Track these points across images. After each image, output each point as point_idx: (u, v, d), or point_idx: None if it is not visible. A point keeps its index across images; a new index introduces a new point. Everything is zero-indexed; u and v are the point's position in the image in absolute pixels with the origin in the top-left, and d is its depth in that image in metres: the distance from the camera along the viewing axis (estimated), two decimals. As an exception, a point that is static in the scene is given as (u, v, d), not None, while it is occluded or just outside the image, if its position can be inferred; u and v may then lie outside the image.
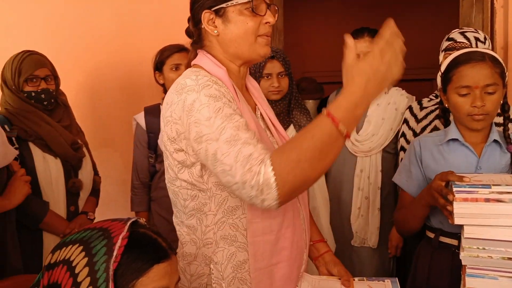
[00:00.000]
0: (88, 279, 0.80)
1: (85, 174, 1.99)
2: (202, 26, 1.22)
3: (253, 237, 1.16)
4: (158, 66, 2.18)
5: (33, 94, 1.87)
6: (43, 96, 1.89)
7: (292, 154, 1.02)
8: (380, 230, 2.21)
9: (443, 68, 1.49)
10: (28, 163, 1.82)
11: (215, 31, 1.21)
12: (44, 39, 2.70)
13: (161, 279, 0.85)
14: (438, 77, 1.56)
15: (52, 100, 1.93)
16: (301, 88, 3.94)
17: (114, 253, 0.81)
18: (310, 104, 3.64)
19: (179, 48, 2.15)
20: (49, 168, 1.86)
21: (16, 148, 1.78)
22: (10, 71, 1.87)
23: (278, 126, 1.34)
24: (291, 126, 2.19)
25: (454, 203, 1.17)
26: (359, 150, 2.18)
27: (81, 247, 0.83)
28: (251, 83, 1.37)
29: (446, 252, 1.26)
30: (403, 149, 2.02)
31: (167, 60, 2.15)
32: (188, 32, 1.30)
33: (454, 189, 1.18)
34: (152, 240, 0.88)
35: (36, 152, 1.85)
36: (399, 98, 2.19)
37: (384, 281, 1.26)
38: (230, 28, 1.20)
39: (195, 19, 1.24)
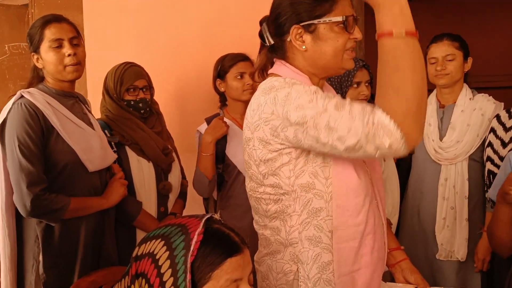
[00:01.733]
0: (170, 270, 0.87)
1: (174, 178, 2.13)
2: (288, 39, 1.21)
3: (338, 243, 1.17)
4: (221, 73, 2.21)
5: (132, 102, 2.04)
6: (140, 105, 2.05)
7: (389, 91, 1.03)
8: (468, 242, 2.11)
9: None
10: (124, 166, 1.99)
11: (303, 47, 1.20)
12: (137, 51, 2.91)
13: (234, 271, 0.91)
14: None
15: (148, 109, 2.09)
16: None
17: (191, 248, 0.88)
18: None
19: (244, 57, 2.19)
20: (142, 171, 2.01)
21: (114, 152, 1.95)
22: (113, 81, 2.04)
23: None
24: None
25: None
26: (443, 158, 2.11)
27: (163, 242, 0.91)
28: (327, 89, 1.37)
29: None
30: (489, 159, 1.93)
31: (231, 68, 2.18)
32: (261, 36, 1.30)
33: None
34: (225, 235, 0.94)
35: (132, 156, 2.01)
36: (485, 104, 2.10)
37: None
38: (319, 45, 1.19)
39: (279, 30, 1.23)
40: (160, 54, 2.90)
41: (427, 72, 2.14)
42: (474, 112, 2.08)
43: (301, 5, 1.18)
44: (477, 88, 2.22)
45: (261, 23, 1.32)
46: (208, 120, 2.27)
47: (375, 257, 1.22)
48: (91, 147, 1.75)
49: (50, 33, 1.69)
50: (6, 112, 1.64)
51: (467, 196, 2.09)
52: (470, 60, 2.14)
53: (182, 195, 2.23)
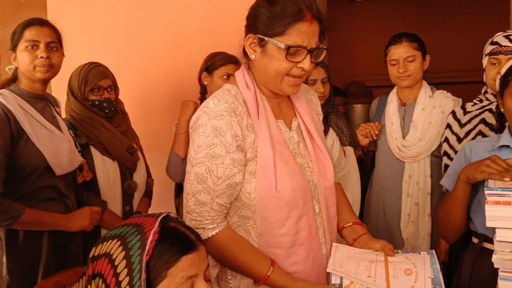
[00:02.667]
0: (126, 270, 0.89)
1: (139, 176, 2.13)
2: (245, 44, 1.28)
3: (265, 248, 1.27)
4: (210, 68, 2.22)
5: (96, 102, 2.03)
6: (105, 104, 2.05)
7: (231, 250, 1.23)
8: (432, 236, 2.18)
9: (502, 71, 1.46)
10: (89, 165, 1.97)
11: (253, 56, 1.27)
12: (103, 51, 2.88)
13: (190, 268, 0.92)
14: (498, 80, 1.53)
15: (112, 108, 2.08)
16: (350, 92, 3.93)
17: (147, 247, 0.89)
18: (359, 108, 3.63)
19: (235, 60, 2.20)
20: (107, 170, 2.00)
21: (79, 151, 1.93)
22: (77, 81, 2.03)
23: (316, 138, 1.38)
24: (331, 130, 2.23)
25: (486, 206, 1.17)
26: (406, 156, 2.16)
27: (119, 242, 0.92)
28: (297, 96, 1.40)
29: (489, 258, 1.24)
30: (446, 154, 1.99)
31: (221, 67, 2.19)
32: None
33: (486, 192, 1.18)
34: (181, 233, 0.96)
35: (96, 155, 2.00)
36: (445, 101, 2.16)
37: (420, 253, 1.28)
38: (264, 60, 1.24)
39: (244, 34, 1.29)
40: (126, 53, 2.87)
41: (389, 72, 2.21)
42: (434, 109, 2.14)
43: (261, 19, 1.22)
44: (435, 84, 2.28)
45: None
46: None
47: (309, 266, 1.29)
48: (59, 151, 1.74)
49: (29, 34, 1.71)
50: None
51: (429, 192, 2.15)
52: (428, 58, 2.19)
53: (148, 194, 2.23)
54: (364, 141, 2.24)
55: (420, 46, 2.16)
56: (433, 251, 1.29)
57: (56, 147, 1.72)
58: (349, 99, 3.82)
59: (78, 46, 2.94)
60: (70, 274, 1.49)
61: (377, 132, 2.20)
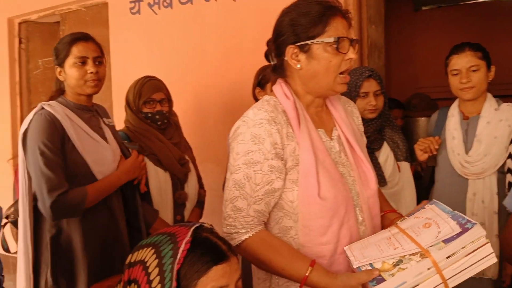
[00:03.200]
0: (158, 278, 0.91)
1: (190, 187, 2.16)
2: (285, 59, 1.29)
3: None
4: (262, 82, 2.23)
5: (149, 114, 2.10)
6: (157, 117, 2.11)
7: (265, 253, 1.21)
8: (500, 258, 1.98)
9: None
10: None
11: (298, 65, 1.27)
12: (159, 64, 2.99)
13: (220, 278, 0.94)
14: None
15: (165, 120, 2.14)
16: (412, 105, 3.76)
17: (178, 256, 0.92)
18: (423, 121, 3.45)
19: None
20: (159, 180, 2.05)
21: None
22: (133, 94, 2.12)
23: (356, 148, 1.38)
24: (385, 144, 2.14)
25: None
26: (470, 172, 2.00)
27: (153, 250, 0.96)
28: (333, 103, 1.42)
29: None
30: (510, 171, 1.83)
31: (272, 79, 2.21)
32: (266, 56, 1.39)
33: None
34: (212, 244, 0.98)
35: (150, 166, 2.05)
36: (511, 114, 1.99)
37: (424, 207, 1.24)
38: (313, 64, 1.26)
39: (278, 50, 1.31)
40: (180, 66, 2.96)
41: (450, 84, 2.07)
42: (500, 123, 1.98)
43: (297, 27, 1.25)
44: (500, 96, 2.11)
45: (267, 43, 1.38)
46: None
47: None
48: (103, 159, 1.80)
49: (76, 51, 1.79)
50: (27, 122, 1.72)
51: (496, 211, 1.98)
52: (493, 69, 2.05)
53: (199, 204, 2.25)
54: (422, 157, 2.11)
55: (485, 56, 2.01)
56: (435, 200, 1.27)
57: (100, 156, 1.79)
58: (412, 112, 3.65)
59: (137, 60, 3.07)
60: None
61: (437, 147, 2.07)
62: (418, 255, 1.06)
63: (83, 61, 1.79)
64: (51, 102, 1.78)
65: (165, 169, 2.07)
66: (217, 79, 2.85)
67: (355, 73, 2.11)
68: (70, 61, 1.79)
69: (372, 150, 2.09)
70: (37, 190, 1.67)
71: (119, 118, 2.26)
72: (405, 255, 1.07)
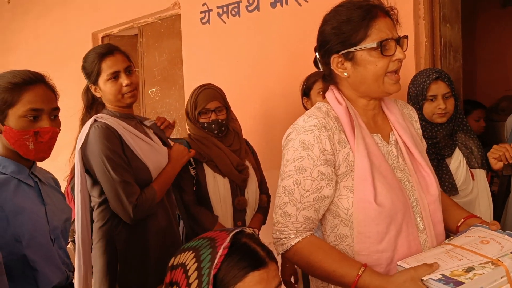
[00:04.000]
0: (196, 281, 0.93)
1: (250, 193, 2.17)
2: (332, 68, 1.28)
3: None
4: (306, 91, 2.24)
5: (205, 124, 2.15)
6: (213, 126, 2.14)
7: (315, 256, 1.20)
8: None
9: None
10: (201, 181, 2.10)
11: (345, 74, 1.26)
12: (227, 72, 3.06)
13: (257, 284, 0.93)
14: None
15: (223, 128, 2.17)
16: (501, 108, 3.49)
17: (215, 261, 0.93)
18: (511, 126, 3.20)
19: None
20: (218, 187, 2.09)
21: (193, 168, 2.08)
22: (190, 104, 2.19)
23: (415, 152, 1.33)
24: (457, 150, 2.01)
25: None
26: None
27: (193, 254, 0.98)
28: (388, 107, 1.39)
29: None
30: None
31: (313, 86, 2.20)
32: (315, 63, 1.38)
33: None
34: (251, 250, 0.97)
35: (208, 172, 2.11)
36: None
37: (470, 229, 1.22)
38: (359, 70, 1.24)
39: (324, 58, 1.30)
40: (248, 73, 3.01)
41: None
42: None
43: (339, 36, 1.24)
44: None
45: (315, 50, 1.38)
46: None
47: None
48: (160, 161, 1.87)
49: (106, 67, 1.82)
50: (84, 135, 1.77)
51: None
52: None
53: (261, 210, 2.26)
54: (497, 165, 1.93)
55: None
56: (478, 224, 1.27)
57: (158, 160, 1.86)
58: (500, 115, 3.39)
59: (208, 68, 3.17)
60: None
61: None
62: (490, 264, 1.02)
63: (115, 76, 1.82)
64: (99, 115, 1.82)
65: (223, 175, 2.10)
66: (283, 85, 2.86)
67: (421, 76, 2.01)
68: (103, 78, 1.82)
69: (442, 156, 1.97)
70: (112, 198, 1.72)
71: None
72: (474, 265, 1.04)
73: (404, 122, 1.37)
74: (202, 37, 3.19)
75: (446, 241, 1.22)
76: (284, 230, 1.24)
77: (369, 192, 1.20)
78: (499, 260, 1.03)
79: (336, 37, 1.24)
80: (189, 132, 2.21)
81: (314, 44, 2.70)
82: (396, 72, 1.24)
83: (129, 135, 1.80)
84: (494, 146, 1.94)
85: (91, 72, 1.84)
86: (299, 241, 1.22)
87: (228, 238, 0.96)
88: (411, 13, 2.31)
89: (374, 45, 1.19)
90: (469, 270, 1.02)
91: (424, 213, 1.28)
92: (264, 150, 2.86)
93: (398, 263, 1.17)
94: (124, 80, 1.83)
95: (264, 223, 2.29)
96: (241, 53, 3.03)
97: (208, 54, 3.17)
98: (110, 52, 1.84)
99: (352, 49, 1.22)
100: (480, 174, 2.01)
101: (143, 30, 3.65)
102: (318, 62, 1.35)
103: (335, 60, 1.26)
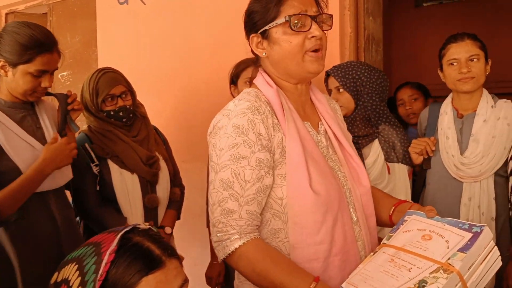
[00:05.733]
0: None
1: (161, 189, 2.00)
2: (252, 48, 1.25)
3: (298, 264, 1.11)
4: (234, 79, 2.13)
5: (112, 113, 1.91)
6: (121, 113, 1.92)
7: (262, 264, 1.07)
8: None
9: None
10: (107, 179, 1.88)
11: (264, 53, 1.22)
12: (148, 57, 2.87)
13: None
14: None
15: (131, 115, 1.96)
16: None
17: (100, 271, 0.78)
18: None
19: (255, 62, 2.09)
20: (125, 184, 1.89)
21: (96, 165, 1.85)
22: (88, 92, 1.92)
23: (345, 143, 1.29)
24: (376, 142, 1.94)
25: None
26: (465, 175, 1.85)
27: (76, 266, 0.82)
28: (317, 96, 1.33)
29: None
30: (514, 173, 1.70)
31: (241, 74, 2.09)
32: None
33: None
34: (142, 250, 0.83)
35: (114, 169, 1.89)
36: (510, 112, 1.84)
37: (406, 220, 1.13)
38: (275, 49, 1.19)
39: (248, 40, 1.26)
40: (170, 60, 2.84)
41: (445, 76, 1.94)
42: (498, 121, 1.83)
43: (254, 14, 1.21)
44: (499, 95, 1.95)
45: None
46: None
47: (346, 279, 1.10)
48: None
49: (40, 61, 1.57)
50: None
51: (494, 218, 1.84)
52: (490, 62, 1.89)
53: (174, 205, 2.09)
54: (418, 160, 1.95)
55: (483, 46, 1.86)
56: (410, 211, 1.18)
57: (34, 160, 1.58)
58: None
59: (124, 52, 2.96)
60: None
61: (433, 149, 1.92)
62: (441, 271, 0.94)
63: (40, 74, 1.60)
64: None
65: (131, 171, 1.90)
66: (206, 74, 2.73)
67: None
68: (28, 68, 1.57)
69: (358, 146, 1.93)
70: None
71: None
72: (426, 275, 0.95)
73: (332, 113, 1.33)
74: (119, 18, 2.96)
75: (385, 241, 1.12)
76: (226, 230, 1.10)
77: (304, 178, 1.11)
78: (450, 265, 0.95)
79: (252, 16, 1.21)
80: (89, 124, 1.96)
81: (241, 31, 2.64)
82: (316, 50, 1.18)
83: (2, 132, 1.54)
84: (414, 141, 1.95)
85: (23, 53, 1.56)
86: (243, 243, 1.09)
87: (115, 241, 0.81)
88: (337, 4, 2.29)
89: (283, 20, 1.15)
90: (422, 284, 0.93)
91: (357, 204, 1.23)
92: (184, 140, 2.74)
93: (343, 285, 1.06)
94: (45, 82, 1.61)
95: (178, 218, 2.15)
96: (163, 38, 2.84)
97: (126, 37, 2.96)
98: (50, 48, 1.60)
99: (266, 27, 1.18)
100: (399, 168, 1.97)
101: (53, 9, 3.33)
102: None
103: (253, 40, 1.22)
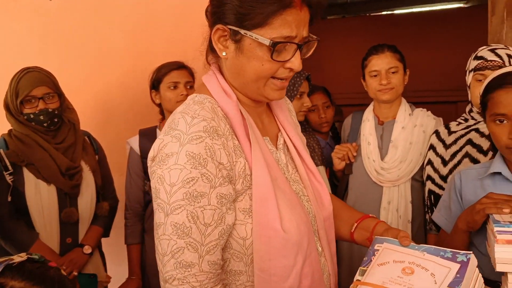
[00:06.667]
0: None
1: (84, 202, 1.83)
2: (212, 38, 0.99)
3: None
4: (155, 84, 2.03)
5: (32, 116, 1.75)
6: (41, 117, 1.76)
7: None
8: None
9: (481, 92, 1.30)
10: (20, 189, 1.70)
11: (224, 53, 0.98)
12: (54, 56, 2.64)
13: None
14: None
15: (55, 119, 1.80)
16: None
17: None
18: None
19: (178, 66, 2.02)
20: (40, 196, 1.72)
21: (10, 173, 1.67)
22: (10, 93, 1.75)
23: (306, 156, 1.12)
24: None
25: (496, 246, 0.98)
26: (385, 180, 1.95)
27: None
28: (279, 104, 1.14)
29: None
30: (430, 178, 1.80)
31: (164, 78, 2.00)
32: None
33: (495, 228, 0.98)
34: None
35: (29, 178, 1.71)
36: (426, 120, 1.98)
37: (377, 249, 0.98)
38: (241, 60, 0.96)
39: (210, 25, 1.00)
40: (80, 61, 2.64)
41: (367, 85, 2.03)
42: (415, 128, 1.97)
43: (232, 4, 0.93)
44: (414, 103, 2.11)
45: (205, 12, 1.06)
46: (143, 132, 2.09)
47: None
48: None
49: None
50: None
51: (410, 220, 1.95)
52: (408, 72, 2.03)
53: (100, 221, 1.93)
54: (340, 165, 2.03)
55: (402, 58, 1.99)
56: (378, 237, 1.04)
57: None
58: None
59: (29, 53, 2.69)
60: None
61: (355, 154, 2.01)
62: None
63: None
64: None
65: (48, 182, 1.73)
66: (123, 77, 2.58)
67: None
68: None
69: None
70: None
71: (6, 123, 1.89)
72: None
73: (291, 118, 1.15)
74: (23, 15, 2.69)
75: (359, 278, 0.95)
76: None
77: (273, 215, 0.93)
78: None
79: (228, 4, 0.93)
80: (10, 128, 1.79)
81: (160, 33, 2.53)
82: (283, 79, 0.99)
83: None
84: (337, 146, 2.03)
85: None
86: None
87: None
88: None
89: (267, 42, 0.91)
90: None
91: (321, 232, 1.07)
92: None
93: None
94: None
95: (106, 235, 1.99)
96: (76, 38, 2.63)
97: (31, 35, 2.70)
98: None
99: (241, 31, 0.93)
100: (322, 171, 2.06)
101: None
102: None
103: (218, 31, 0.96)
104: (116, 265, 2.61)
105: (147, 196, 2.03)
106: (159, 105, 2.08)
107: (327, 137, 2.52)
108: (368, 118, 2.07)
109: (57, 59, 2.62)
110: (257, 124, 1.05)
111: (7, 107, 1.77)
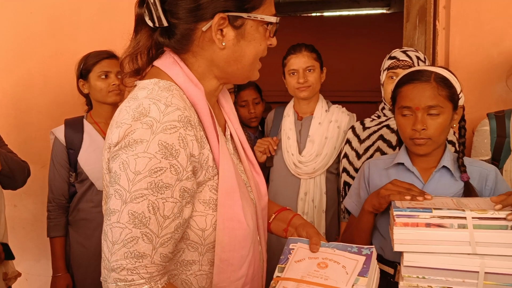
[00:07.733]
0: None
1: None
2: (204, 29, 0.93)
3: None
4: (83, 73, 1.98)
5: None
6: None
7: None
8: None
9: (393, 87, 1.42)
10: None
11: (223, 43, 0.94)
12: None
13: None
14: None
15: None
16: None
17: None
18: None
19: (109, 55, 1.98)
20: None
21: None
22: None
23: (247, 148, 1.12)
24: None
25: (394, 228, 1.09)
26: (302, 172, 2.08)
27: None
28: (224, 95, 1.13)
29: (382, 281, 1.17)
30: (345, 170, 1.94)
31: (94, 67, 1.96)
32: (145, 12, 0.95)
33: (394, 213, 1.10)
34: None
35: None
36: (340, 116, 2.13)
37: (292, 248, 1.07)
38: (241, 45, 0.96)
39: (196, 12, 0.92)
40: (2, 48, 2.51)
41: (287, 83, 2.13)
42: (330, 124, 2.11)
43: None
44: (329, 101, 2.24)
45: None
46: (69, 122, 2.01)
47: None
48: None
49: None
50: None
51: (324, 210, 2.09)
52: (325, 70, 2.17)
53: None
54: (262, 158, 2.13)
55: (319, 57, 2.12)
56: (291, 238, 1.12)
57: None
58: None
59: None
60: None
61: (275, 148, 2.12)
62: None
63: None
64: None
65: None
66: (44, 65, 2.50)
67: None
68: None
69: None
70: None
71: None
72: None
73: (235, 111, 1.17)
74: None
75: (279, 274, 1.02)
76: (132, 279, 0.86)
77: (238, 207, 0.95)
78: None
79: None
80: None
81: (85, 19, 2.47)
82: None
83: None
84: (259, 140, 2.13)
85: None
86: None
87: None
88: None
89: (273, 20, 0.95)
90: None
91: (259, 221, 1.09)
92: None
93: None
94: None
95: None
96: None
97: None
98: None
99: (244, 15, 0.92)
100: None
101: None
102: (156, 11, 0.93)
103: (218, 20, 0.92)
104: (35, 261, 2.53)
105: (72, 188, 1.99)
106: (87, 96, 2.03)
107: (256, 132, 2.61)
108: (289, 114, 2.19)
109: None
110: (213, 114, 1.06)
111: None
